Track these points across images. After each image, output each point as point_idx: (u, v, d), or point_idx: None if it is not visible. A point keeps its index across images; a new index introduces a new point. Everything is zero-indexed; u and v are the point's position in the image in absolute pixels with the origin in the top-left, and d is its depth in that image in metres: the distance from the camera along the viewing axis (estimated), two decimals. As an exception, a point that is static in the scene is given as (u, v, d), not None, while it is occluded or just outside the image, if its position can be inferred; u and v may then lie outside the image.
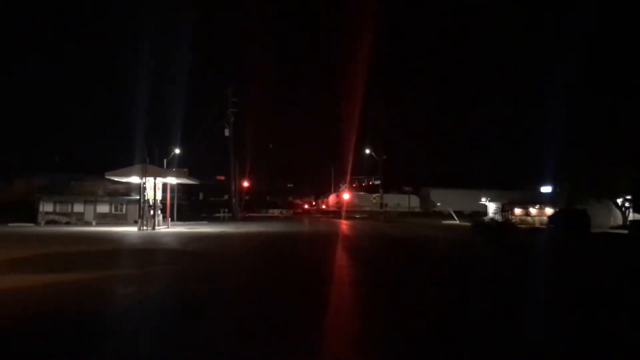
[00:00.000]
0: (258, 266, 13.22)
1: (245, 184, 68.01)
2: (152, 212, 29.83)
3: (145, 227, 29.03)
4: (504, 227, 21.81)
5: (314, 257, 15.05)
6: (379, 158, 59.55)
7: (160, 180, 31.02)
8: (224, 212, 45.91)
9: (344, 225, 40.30)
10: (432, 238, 24.97)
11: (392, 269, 12.90)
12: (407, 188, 57.70)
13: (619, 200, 43.91)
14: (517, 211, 50.91)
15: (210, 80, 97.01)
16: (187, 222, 38.64)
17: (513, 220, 50.18)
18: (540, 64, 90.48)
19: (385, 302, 8.35)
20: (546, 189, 62.84)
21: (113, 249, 18.06)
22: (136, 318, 7.07)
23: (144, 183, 29.85)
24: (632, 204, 39.46)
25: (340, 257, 16.07)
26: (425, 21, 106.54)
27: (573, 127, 54.36)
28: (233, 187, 48.27)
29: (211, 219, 46.86)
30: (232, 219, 46.20)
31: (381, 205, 52.98)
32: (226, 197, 53.31)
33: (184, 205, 52.81)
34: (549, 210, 47.86)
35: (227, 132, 46.52)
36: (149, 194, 30.03)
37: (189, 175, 34.94)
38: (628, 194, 42.20)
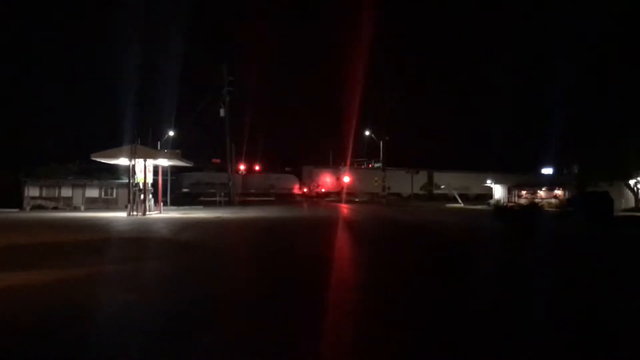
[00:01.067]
0: (259, 262, 11.29)
1: (242, 166, 66.07)
2: (142, 196, 27.85)
3: (135, 213, 27.09)
4: (529, 212, 19.79)
5: (320, 251, 13.10)
6: (380, 140, 57.60)
7: (150, 162, 28.97)
8: (221, 196, 43.88)
9: (345, 209, 38.42)
10: (446, 224, 23.10)
11: (417, 269, 10.98)
12: (411, 170, 55.69)
13: (632, 182, 42.13)
14: (524, 194, 49.16)
15: (207, 58, 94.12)
16: (181, 207, 36.72)
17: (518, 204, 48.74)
18: (545, 42, 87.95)
19: (424, 323, 6.41)
20: (547, 170, 60.77)
21: (96, 238, 16.11)
22: (108, 339, 5.15)
23: (134, 165, 27.83)
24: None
25: (350, 249, 14.19)
26: (431, 2, 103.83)
27: (580, 108, 52.18)
28: (229, 170, 46.18)
29: (207, 203, 44.92)
30: (229, 203, 44.24)
31: (383, 188, 51.07)
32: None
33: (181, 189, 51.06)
34: (558, 192, 46.12)
35: (222, 112, 44.33)
36: (139, 177, 28.03)
37: (183, 157, 32.89)
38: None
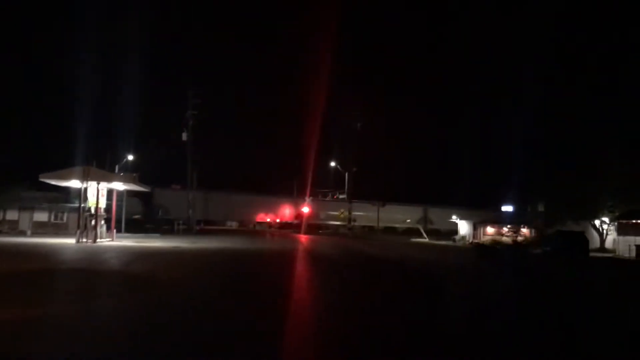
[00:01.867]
0: (219, 306, 9.69)
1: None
2: (93, 222, 25.76)
3: (84, 240, 24.95)
4: (515, 251, 18.84)
5: (287, 291, 11.63)
6: (345, 171, 56.72)
7: (104, 186, 26.96)
8: (179, 224, 41.77)
9: (310, 242, 36.92)
10: (427, 262, 21.91)
11: (399, 312, 9.60)
12: (377, 202, 54.74)
13: (597, 222, 42.15)
14: (490, 230, 48.74)
15: (173, 83, 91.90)
16: (136, 235, 34.52)
17: (482, 240, 48.21)
18: (512, 79, 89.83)
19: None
20: (507, 208, 60.32)
21: (35, 269, 14.14)
22: None
23: (86, 188, 25.81)
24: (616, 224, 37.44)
25: (323, 292, 12.72)
26: (392, 37, 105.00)
27: (549, 147, 52.69)
28: (190, 197, 44.22)
29: (165, 231, 42.67)
30: (188, 231, 42.18)
31: (349, 219, 49.85)
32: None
33: (135, 215, 48.43)
34: (523, 230, 45.80)
35: (184, 136, 42.63)
36: (91, 201, 25.98)
37: (141, 181, 30.95)
38: (609, 214, 40.44)
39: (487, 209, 60.39)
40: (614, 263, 21.87)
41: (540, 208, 50.80)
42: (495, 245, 22.56)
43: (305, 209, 57.09)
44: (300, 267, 16.96)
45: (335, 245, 31.49)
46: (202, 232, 45.30)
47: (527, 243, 43.08)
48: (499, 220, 48.86)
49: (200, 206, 54.02)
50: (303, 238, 41.72)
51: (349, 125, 51.25)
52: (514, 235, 45.79)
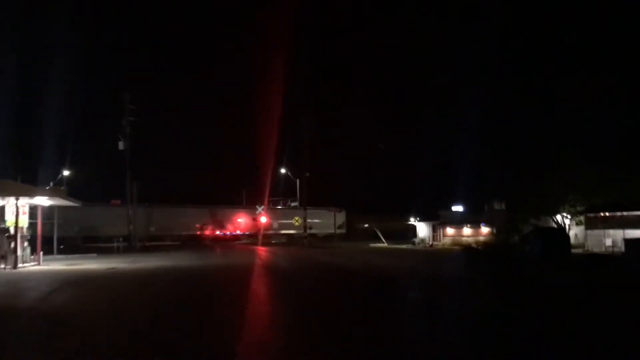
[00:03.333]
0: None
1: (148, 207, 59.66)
2: (13, 244, 21.96)
3: (2, 266, 21.15)
4: (501, 255, 16.66)
5: (253, 328, 8.84)
6: (297, 178, 54.13)
7: (26, 201, 23.15)
8: (118, 241, 37.80)
9: (266, 254, 33.92)
10: (403, 271, 19.46)
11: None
12: (334, 209, 52.29)
13: (558, 217, 41.07)
14: (450, 231, 47.12)
15: (109, 87, 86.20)
16: (70, 255, 30.66)
17: (443, 242, 46.64)
18: (462, 79, 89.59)
19: None
20: (457, 208, 58.79)
21: None
22: None
23: (2, 206, 22.04)
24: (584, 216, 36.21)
25: (301, 326, 9.95)
26: (347, 40, 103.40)
27: (503, 143, 51.50)
28: (130, 212, 40.34)
29: (103, 250, 38.65)
30: (129, 249, 38.29)
31: (305, 228, 47.08)
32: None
33: (70, 234, 44.00)
34: (484, 230, 44.38)
35: (121, 145, 38.80)
36: (9, 220, 22.21)
37: (69, 195, 27.20)
38: (570, 209, 39.40)
39: (443, 210, 59.07)
40: (603, 260, 20.26)
41: (497, 206, 49.68)
42: (478, 250, 20.37)
43: (263, 219, 53.99)
44: (259, 290, 14.08)
45: (295, 258, 28.67)
46: (146, 250, 41.47)
47: (496, 243, 41.72)
48: (459, 220, 47.24)
49: (144, 221, 50.03)
50: (259, 250, 38.64)
51: (302, 130, 48.56)
52: (476, 235, 44.42)
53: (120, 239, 38.14)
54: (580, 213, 40.30)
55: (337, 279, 16.37)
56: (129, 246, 39.23)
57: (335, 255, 30.29)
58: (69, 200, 27.12)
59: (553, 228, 25.42)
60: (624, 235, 30.98)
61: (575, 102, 41.63)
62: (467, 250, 21.13)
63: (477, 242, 43.38)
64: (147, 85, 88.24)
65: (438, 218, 50.37)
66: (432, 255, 31.86)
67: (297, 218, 46.29)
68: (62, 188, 27.23)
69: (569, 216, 40.33)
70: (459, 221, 47.36)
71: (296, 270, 20.11)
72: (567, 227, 40.74)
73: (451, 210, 54.21)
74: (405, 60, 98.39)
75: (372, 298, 12.09)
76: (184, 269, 20.25)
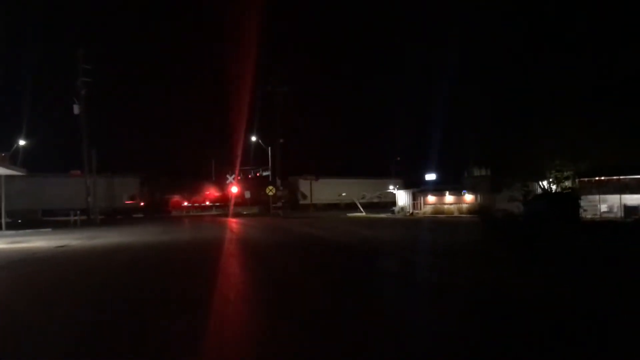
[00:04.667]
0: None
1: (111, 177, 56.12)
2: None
3: None
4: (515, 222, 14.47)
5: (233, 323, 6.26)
6: (268, 146, 51.26)
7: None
8: (76, 214, 34.52)
9: (239, 226, 31.24)
10: (405, 245, 17.07)
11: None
12: (309, 176, 49.67)
13: (545, 183, 39.33)
14: (431, 199, 45.11)
15: (61, 44, 79.87)
16: (22, 231, 27.59)
17: (424, 210, 44.69)
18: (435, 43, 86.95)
19: None
20: (430, 176, 56.76)
21: None
22: None
23: None
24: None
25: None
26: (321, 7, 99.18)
27: (481, 106, 48.93)
28: (87, 183, 37.02)
29: (60, 224, 35.39)
30: (88, 223, 35.16)
31: (280, 198, 44.44)
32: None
33: (28, 207, 40.57)
34: (468, 197, 42.47)
35: (76, 109, 35.26)
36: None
37: (14, 163, 23.94)
38: (557, 174, 37.67)
39: (406, 178, 57.00)
40: (611, 225, 18.44)
41: (477, 172, 47.85)
42: (500, 218, 18.16)
43: (234, 189, 51.06)
44: (234, 280, 11.42)
45: (272, 231, 26.05)
46: (107, 223, 38.35)
47: (478, 209, 39.85)
48: (438, 188, 45.19)
49: (105, 193, 46.68)
50: (230, 222, 35.91)
51: (274, 94, 45.49)
52: (459, 202, 42.53)
53: (78, 212, 34.87)
54: (567, 178, 38.72)
55: (330, 257, 13.79)
56: (88, 220, 36.07)
57: (315, 226, 27.83)
58: (13, 169, 23.92)
59: (562, 193, 23.39)
60: (621, 200, 29.38)
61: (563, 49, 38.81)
62: (484, 219, 18.91)
63: (460, 210, 41.62)
64: (105, 42, 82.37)
65: (418, 185, 48.36)
66: (421, 224, 29.72)
67: (270, 187, 43.58)
68: (3, 154, 23.90)
69: (554, 180, 38.69)
70: (440, 188, 45.28)
71: (278, 246, 17.45)
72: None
73: (425, 178, 52.16)
74: (378, 17, 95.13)
75: (395, 289, 9.49)
76: (142, 248, 17.22)
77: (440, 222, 32.08)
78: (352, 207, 49.52)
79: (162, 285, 9.77)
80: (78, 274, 11.48)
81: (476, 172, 47.91)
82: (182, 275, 10.91)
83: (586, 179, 32.83)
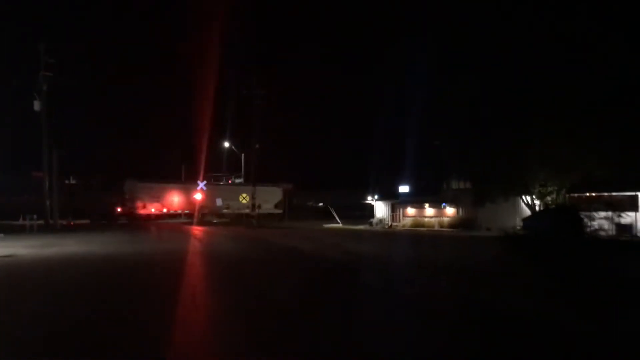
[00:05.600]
0: None
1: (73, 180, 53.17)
2: None
3: None
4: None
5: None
6: (243, 153, 49.24)
7: None
8: (32, 219, 31.74)
9: (205, 235, 29.10)
10: (408, 262, 15.24)
11: None
12: (285, 185, 47.60)
13: (528, 198, 38.11)
14: (410, 211, 43.61)
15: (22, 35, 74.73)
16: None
17: (403, 223, 43.19)
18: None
19: None
20: (404, 188, 55.03)
21: None
22: None
23: None
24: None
25: None
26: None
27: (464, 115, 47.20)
28: (47, 184, 34.30)
29: (15, 229, 32.60)
30: (46, 228, 32.46)
31: (253, 206, 42.29)
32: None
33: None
34: (449, 210, 41.04)
35: (36, 106, 32.61)
36: None
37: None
38: (541, 189, 36.46)
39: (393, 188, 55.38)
40: (615, 244, 17.04)
41: (455, 185, 46.55)
42: (527, 235, 16.67)
43: (198, 196, 48.57)
44: (197, 290, 9.41)
45: (248, 242, 23.96)
46: (69, 229, 35.68)
47: (460, 223, 38.50)
48: (420, 200, 43.65)
49: (66, 196, 43.90)
50: (196, 230, 33.67)
51: (248, 100, 43.45)
52: (440, 215, 41.09)
53: (35, 217, 32.10)
54: (550, 193, 37.60)
55: (322, 276, 11.87)
56: (46, 224, 33.35)
57: (294, 237, 25.88)
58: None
59: (564, 208, 22.04)
60: (612, 218, 28.18)
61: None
62: (505, 238, 17.37)
63: (441, 223, 40.18)
64: (69, 36, 78.23)
65: (391, 197, 46.79)
66: (405, 238, 28.05)
67: (244, 195, 41.45)
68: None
69: (537, 196, 37.48)
70: (419, 200, 43.73)
71: (255, 261, 15.43)
72: (538, 208, 37.93)
73: (398, 190, 50.47)
74: (360, 17, 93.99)
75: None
76: (97, 261, 15.01)
77: (425, 235, 30.56)
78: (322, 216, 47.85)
79: (139, 288, 7.72)
80: (20, 290, 9.31)
81: (454, 185, 46.67)
82: (135, 301, 8.82)
83: (576, 195, 31.71)
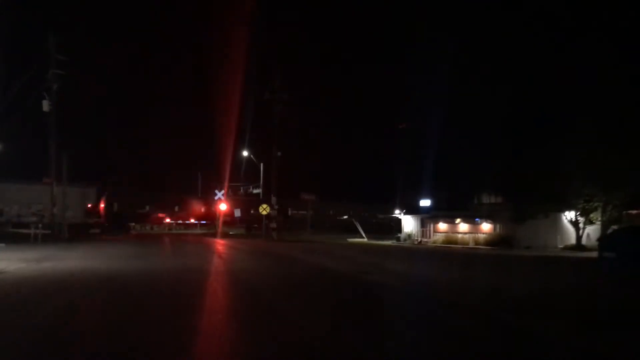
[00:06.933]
0: None
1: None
2: None
3: None
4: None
5: None
6: (262, 162, 46.62)
7: None
8: (37, 228, 29.34)
9: (229, 251, 26.43)
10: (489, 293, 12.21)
11: None
12: (308, 196, 44.81)
13: (571, 214, 34.85)
14: (442, 227, 40.56)
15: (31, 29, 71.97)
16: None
17: (434, 239, 40.15)
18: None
19: None
20: (425, 202, 51.61)
21: None
22: None
23: None
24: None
25: None
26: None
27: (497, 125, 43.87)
28: (53, 191, 31.97)
29: (20, 238, 30.30)
30: (52, 238, 30.07)
31: (273, 218, 39.54)
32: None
33: None
34: (485, 227, 37.91)
35: (45, 106, 30.39)
36: None
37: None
38: (586, 204, 33.23)
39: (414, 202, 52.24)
40: None
41: (486, 199, 43.35)
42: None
43: (223, 206, 46.05)
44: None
45: (272, 260, 21.16)
46: (77, 240, 33.28)
47: (497, 241, 35.40)
48: (451, 215, 40.58)
49: (77, 204, 41.71)
50: (217, 244, 31.05)
51: (271, 102, 40.93)
52: (475, 232, 37.98)
53: (40, 225, 29.71)
54: (595, 209, 34.43)
55: (375, 310, 9.06)
56: (52, 234, 30.96)
57: (321, 255, 23.05)
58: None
59: (643, 227, 18.97)
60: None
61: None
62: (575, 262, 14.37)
63: (476, 240, 37.10)
64: (82, 32, 76.18)
65: (421, 211, 43.70)
66: (449, 256, 25.11)
67: (264, 206, 38.78)
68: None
69: (582, 213, 34.23)
70: (451, 215, 40.63)
71: (287, 288, 12.59)
72: (582, 226, 34.71)
73: (422, 203, 47.22)
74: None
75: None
76: (99, 281, 12.20)
77: (467, 254, 27.46)
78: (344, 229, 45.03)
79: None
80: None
81: (485, 199, 43.47)
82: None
83: (634, 212, 28.58)
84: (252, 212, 48.96)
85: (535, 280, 13.70)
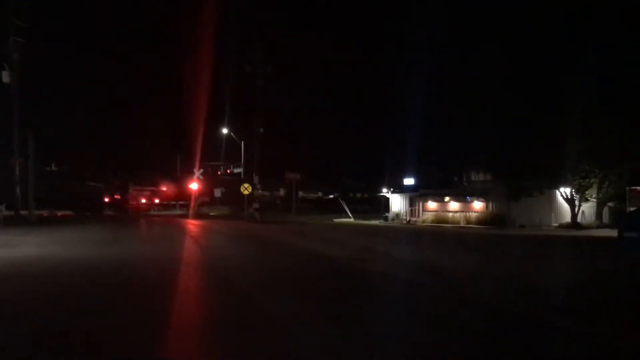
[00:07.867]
0: None
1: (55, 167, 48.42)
2: None
3: None
4: None
5: None
6: (243, 140, 44.62)
7: None
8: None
9: (201, 231, 24.52)
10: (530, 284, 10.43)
11: None
12: (293, 175, 42.78)
13: (567, 190, 33.50)
14: (431, 205, 39.00)
15: None
16: None
17: (423, 218, 38.54)
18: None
19: None
20: (409, 181, 50.00)
21: None
22: None
23: None
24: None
25: None
26: None
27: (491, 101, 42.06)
28: (17, 170, 29.52)
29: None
30: (16, 221, 27.79)
31: (256, 198, 37.62)
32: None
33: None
34: (477, 205, 36.40)
35: (5, 77, 27.83)
36: None
37: None
38: (583, 181, 31.89)
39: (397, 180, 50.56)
40: None
41: (475, 176, 41.96)
42: None
43: (194, 185, 43.85)
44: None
45: (257, 244, 19.24)
46: (44, 221, 31.08)
47: (490, 219, 33.93)
48: (441, 192, 39.04)
49: (46, 185, 39.23)
50: (192, 225, 29.09)
51: (250, 78, 38.76)
52: (467, 210, 36.49)
53: (2, 207, 27.37)
54: (591, 186, 33.12)
55: (385, 307, 7.29)
56: (16, 216, 28.66)
57: (309, 237, 21.24)
58: None
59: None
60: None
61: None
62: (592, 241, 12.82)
63: (467, 219, 35.60)
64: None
65: (405, 190, 42.13)
66: (443, 236, 23.53)
67: (245, 185, 36.77)
68: None
69: (576, 189, 32.90)
70: (440, 193, 39.09)
71: (281, 281, 10.71)
72: (577, 203, 33.45)
73: (411, 182, 45.56)
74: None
75: None
76: (43, 273, 10.16)
77: (461, 234, 25.91)
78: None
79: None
80: None
81: (474, 177, 42.03)
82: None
83: (636, 188, 27.18)
84: (233, 192, 47.02)
85: (559, 266, 12.03)
